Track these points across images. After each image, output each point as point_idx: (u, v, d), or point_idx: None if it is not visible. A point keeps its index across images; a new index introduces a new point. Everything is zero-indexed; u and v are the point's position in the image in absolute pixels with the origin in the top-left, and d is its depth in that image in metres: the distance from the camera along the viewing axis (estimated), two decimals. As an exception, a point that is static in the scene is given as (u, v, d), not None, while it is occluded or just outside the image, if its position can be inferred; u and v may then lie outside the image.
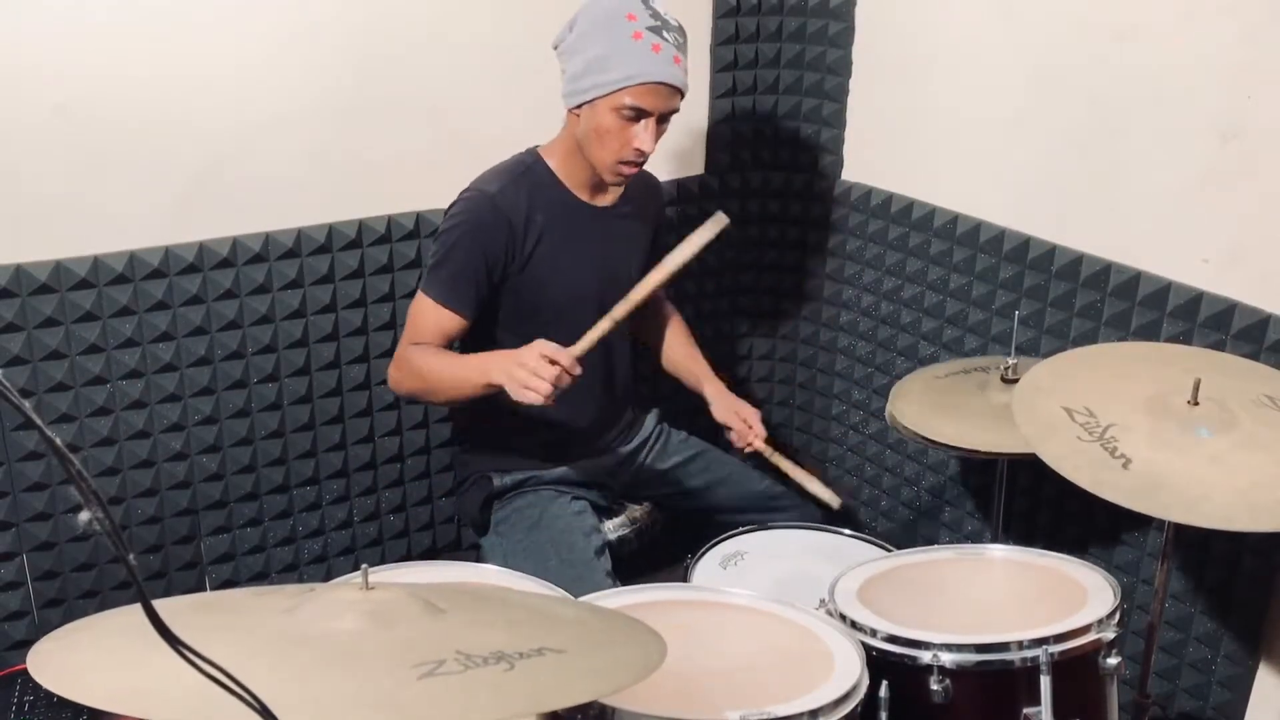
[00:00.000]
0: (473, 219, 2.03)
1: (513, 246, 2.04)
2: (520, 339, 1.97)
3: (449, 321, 2.04)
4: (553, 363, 1.84)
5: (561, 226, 2.09)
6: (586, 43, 1.97)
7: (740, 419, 2.26)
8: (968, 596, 1.76)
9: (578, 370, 1.87)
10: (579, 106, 2.02)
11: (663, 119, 2.01)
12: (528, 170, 2.09)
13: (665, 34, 1.97)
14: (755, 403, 2.92)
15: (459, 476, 2.30)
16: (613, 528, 2.23)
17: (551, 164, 2.11)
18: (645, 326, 2.40)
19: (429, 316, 2.04)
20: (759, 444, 2.23)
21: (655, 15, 1.98)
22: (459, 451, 2.29)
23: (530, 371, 1.83)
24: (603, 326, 1.94)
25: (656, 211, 2.32)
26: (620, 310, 1.96)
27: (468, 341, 2.11)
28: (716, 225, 1.99)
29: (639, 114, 1.97)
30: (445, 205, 2.35)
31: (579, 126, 2.03)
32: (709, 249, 2.00)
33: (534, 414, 2.03)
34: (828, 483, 2.19)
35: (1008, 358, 2.15)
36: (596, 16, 1.98)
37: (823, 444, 2.92)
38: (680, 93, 2.01)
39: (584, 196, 2.13)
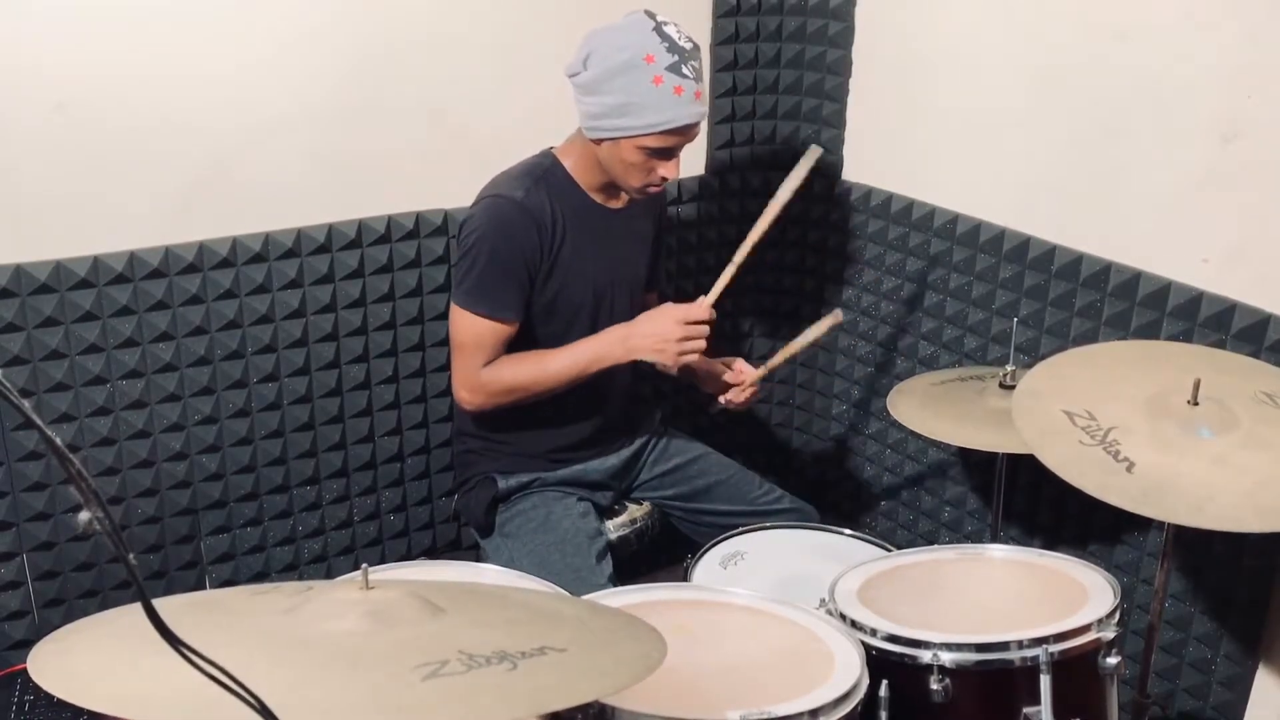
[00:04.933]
0: (504, 226, 2.03)
1: (543, 249, 2.06)
2: (534, 339, 2.10)
3: (507, 332, 2.06)
4: (694, 321, 2.03)
5: (581, 229, 2.10)
6: (605, 86, 1.95)
7: (725, 372, 2.25)
8: (968, 596, 1.76)
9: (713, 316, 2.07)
10: (600, 141, 2.02)
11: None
12: (546, 173, 2.09)
13: (685, 69, 1.94)
14: (755, 404, 2.93)
15: (461, 477, 2.30)
16: (614, 528, 2.23)
17: (568, 166, 2.10)
18: None
19: (486, 334, 2.05)
20: (754, 375, 2.22)
21: (672, 47, 1.94)
22: (462, 452, 2.29)
23: (681, 340, 2.02)
24: (729, 273, 2.08)
25: (660, 212, 2.34)
26: (740, 254, 2.09)
27: None
28: (812, 156, 2.08)
29: (665, 152, 2.00)
30: (445, 205, 2.37)
31: (600, 152, 2.04)
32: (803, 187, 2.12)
33: (540, 417, 2.14)
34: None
35: (1006, 365, 2.16)
36: (614, 61, 1.93)
37: (823, 444, 2.92)
38: (701, 121, 2.02)
39: (598, 199, 2.13)
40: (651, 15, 1.97)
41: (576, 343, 2.09)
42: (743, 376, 2.23)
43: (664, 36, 1.94)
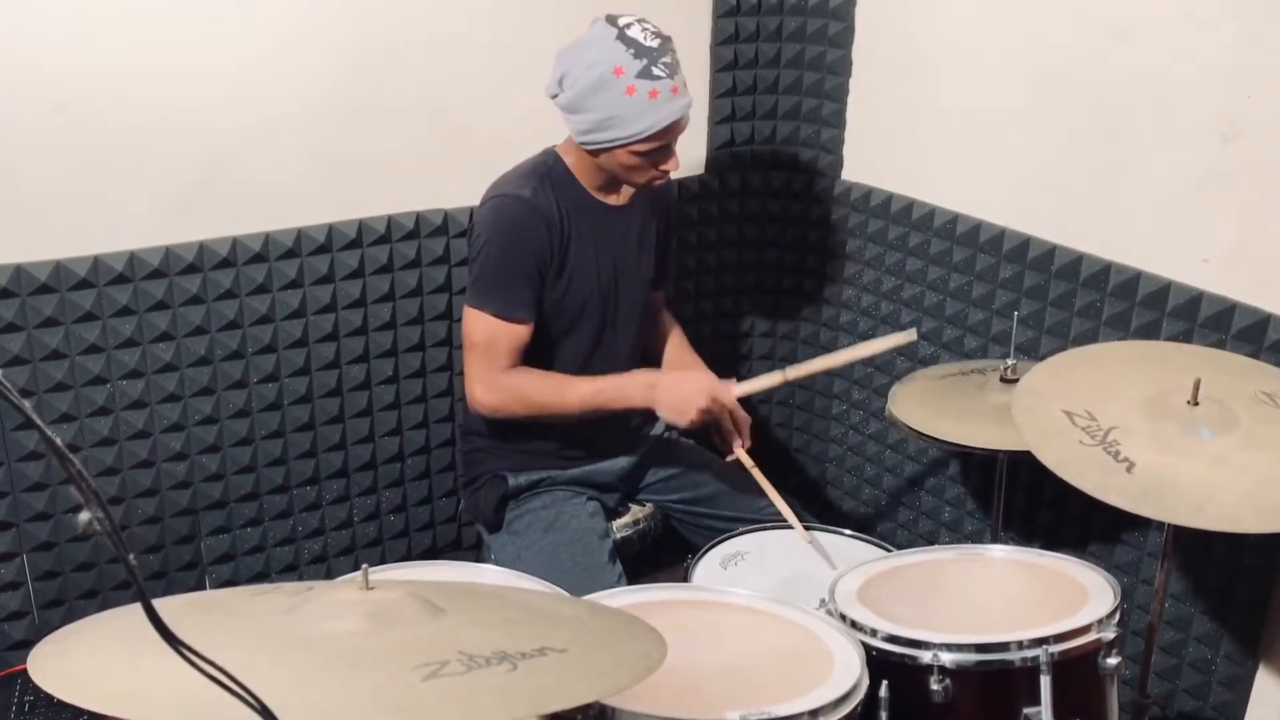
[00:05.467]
0: (513, 224, 2.03)
1: (552, 248, 2.06)
2: (544, 336, 2.11)
3: (522, 332, 2.06)
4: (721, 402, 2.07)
5: (584, 226, 2.10)
6: (584, 104, 1.96)
7: (729, 423, 2.26)
8: (968, 596, 1.76)
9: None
10: (596, 152, 2.03)
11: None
12: (550, 171, 2.09)
13: (655, 69, 1.92)
14: (756, 403, 2.92)
15: (469, 475, 2.29)
16: (616, 528, 2.24)
17: (569, 164, 2.11)
18: (648, 334, 2.40)
19: (501, 334, 2.05)
20: (739, 452, 2.22)
21: (639, 51, 1.92)
22: (470, 450, 2.29)
23: (701, 412, 2.05)
24: (773, 381, 2.13)
25: (667, 208, 2.33)
26: (794, 373, 2.13)
27: None
28: (907, 338, 2.11)
29: (658, 151, 2.01)
30: (445, 205, 2.37)
31: (599, 159, 2.05)
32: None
33: (549, 419, 2.13)
34: (800, 516, 2.13)
35: (1006, 359, 2.15)
36: (586, 81, 1.94)
37: (823, 444, 2.92)
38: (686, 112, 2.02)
39: (600, 196, 2.14)
40: (612, 21, 1.96)
41: (601, 377, 2.10)
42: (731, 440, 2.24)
43: (628, 42, 1.93)
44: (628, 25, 1.95)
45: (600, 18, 1.98)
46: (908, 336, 2.13)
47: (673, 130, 1.99)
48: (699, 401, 2.04)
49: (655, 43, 1.95)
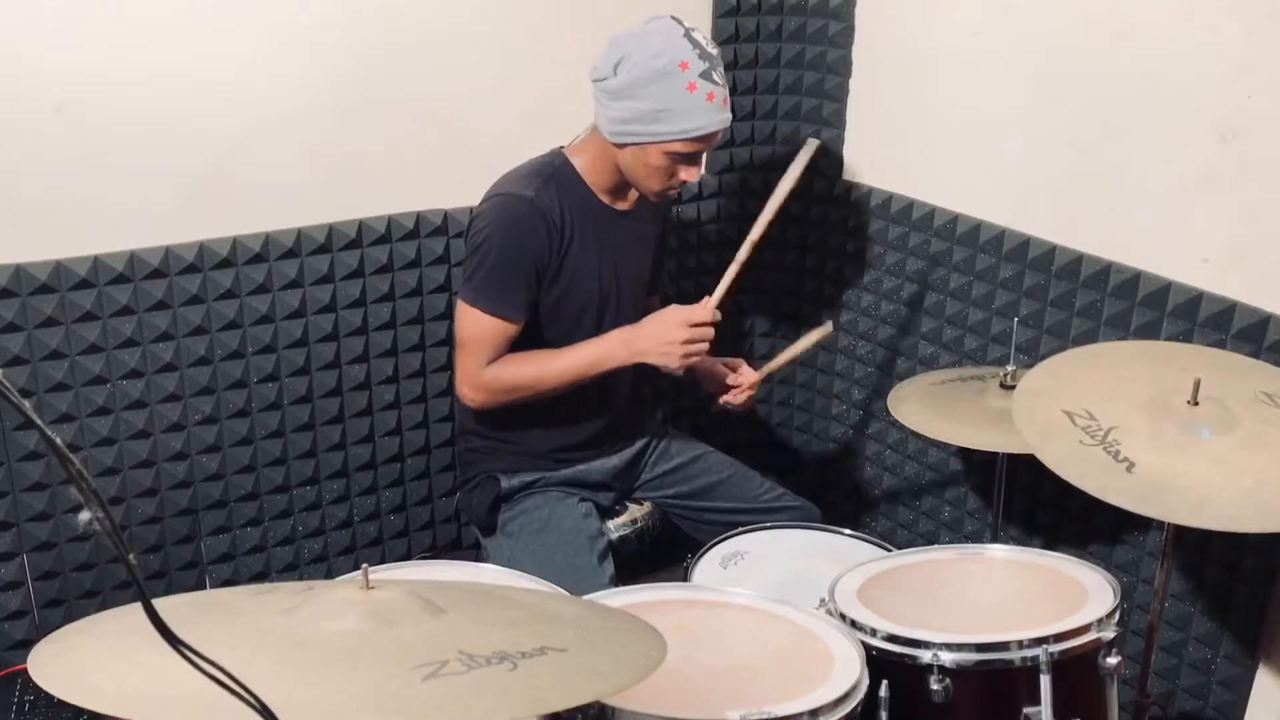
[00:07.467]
0: (514, 223, 2.03)
1: (552, 249, 2.06)
2: (540, 339, 2.10)
3: (512, 331, 2.06)
4: (698, 323, 2.02)
5: (588, 229, 2.10)
6: (637, 91, 1.95)
7: (727, 374, 2.28)
8: (968, 596, 1.76)
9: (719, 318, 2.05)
10: (624, 145, 2.02)
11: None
12: (556, 173, 2.08)
13: (714, 75, 1.95)
14: (755, 403, 2.92)
15: (464, 476, 2.30)
16: (614, 528, 2.24)
17: (578, 166, 2.10)
18: None
19: (491, 331, 2.05)
20: (755, 377, 2.25)
21: (703, 54, 1.95)
22: (465, 450, 2.29)
23: (685, 343, 2.01)
24: (732, 273, 2.07)
25: (665, 213, 2.35)
26: (742, 253, 2.07)
27: None
28: (810, 149, 2.07)
29: (690, 157, 2.01)
30: (444, 205, 2.37)
31: (623, 156, 2.04)
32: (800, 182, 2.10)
33: (544, 417, 2.14)
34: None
35: (1006, 365, 2.16)
36: (648, 68, 1.93)
37: (823, 444, 2.92)
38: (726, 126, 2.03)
39: (607, 200, 2.14)
40: (679, 21, 1.97)
41: (580, 344, 2.09)
42: (742, 379, 2.24)
43: (694, 43, 1.95)
44: (692, 29, 1.97)
45: (662, 15, 1.98)
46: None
47: (711, 139, 2.01)
48: (677, 334, 2.02)
49: (715, 51, 1.98)
